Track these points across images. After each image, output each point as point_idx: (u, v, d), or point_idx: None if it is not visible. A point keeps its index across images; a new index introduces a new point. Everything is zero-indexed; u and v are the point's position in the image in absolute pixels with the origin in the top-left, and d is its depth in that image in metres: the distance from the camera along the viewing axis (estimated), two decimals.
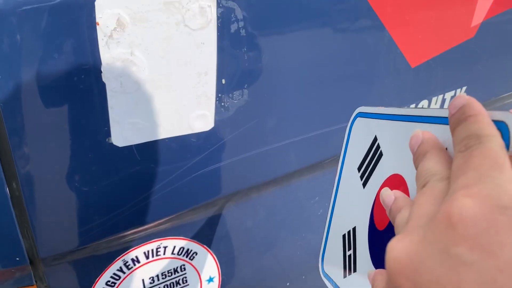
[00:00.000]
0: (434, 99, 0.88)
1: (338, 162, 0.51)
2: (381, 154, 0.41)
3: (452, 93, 0.91)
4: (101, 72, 0.53)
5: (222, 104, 0.63)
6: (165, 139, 0.61)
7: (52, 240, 0.61)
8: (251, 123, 0.67)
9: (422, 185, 0.28)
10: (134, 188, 0.62)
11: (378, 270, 0.33)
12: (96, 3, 0.49)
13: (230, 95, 0.63)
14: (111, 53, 0.52)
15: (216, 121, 0.64)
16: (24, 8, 0.47)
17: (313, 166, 0.80)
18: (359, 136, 0.47)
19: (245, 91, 0.64)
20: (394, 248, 0.26)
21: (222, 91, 0.62)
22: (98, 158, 0.57)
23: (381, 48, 0.74)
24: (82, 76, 0.52)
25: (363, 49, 0.72)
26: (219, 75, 0.60)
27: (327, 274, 0.52)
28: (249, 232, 0.80)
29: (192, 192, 0.68)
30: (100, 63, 0.52)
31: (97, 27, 0.50)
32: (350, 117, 0.77)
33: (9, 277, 0.62)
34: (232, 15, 0.58)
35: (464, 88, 0.93)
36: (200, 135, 0.64)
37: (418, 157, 0.31)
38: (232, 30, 0.59)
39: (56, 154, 0.55)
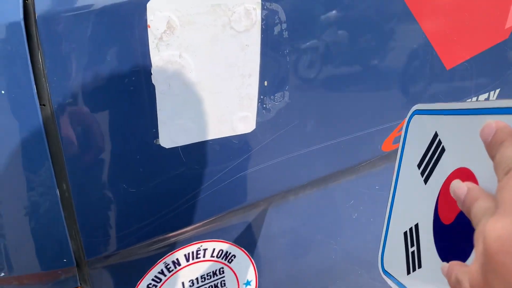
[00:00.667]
0: (468, 101, 0.88)
1: (396, 161, 0.51)
2: (443, 150, 0.41)
3: (485, 95, 0.91)
4: (151, 74, 0.54)
5: (264, 106, 0.64)
6: (209, 140, 0.62)
7: (98, 242, 0.61)
8: (291, 125, 0.67)
9: (505, 171, 0.29)
10: (178, 190, 0.63)
11: (454, 262, 0.33)
12: (148, 5, 0.50)
13: (272, 97, 0.64)
14: (161, 55, 0.53)
15: (257, 123, 0.64)
16: (77, 12, 0.49)
17: (349, 170, 0.80)
18: (417, 134, 0.47)
19: (286, 93, 0.64)
20: (494, 229, 0.26)
21: (264, 92, 0.62)
22: (146, 159, 0.58)
23: (417, 50, 0.74)
24: (133, 78, 0.53)
25: (400, 51, 0.72)
26: (262, 76, 0.61)
27: (388, 272, 0.52)
28: (286, 235, 0.80)
29: (232, 194, 0.68)
30: (150, 66, 0.53)
31: (148, 29, 0.51)
32: (384, 120, 0.77)
33: (55, 278, 0.63)
34: (275, 17, 0.58)
35: (497, 91, 0.92)
36: (242, 137, 0.64)
37: (494, 146, 0.31)
38: (276, 32, 0.59)
39: (105, 156, 0.56)
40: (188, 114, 0.58)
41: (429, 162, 0.44)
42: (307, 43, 0.62)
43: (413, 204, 0.47)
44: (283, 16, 0.59)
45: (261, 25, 0.58)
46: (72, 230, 0.59)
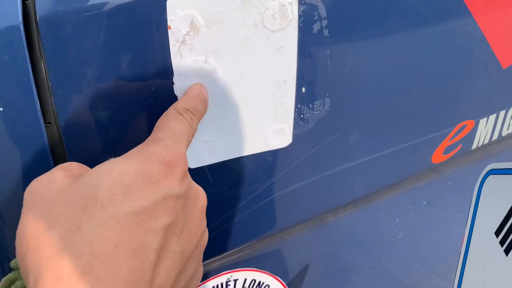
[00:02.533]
0: None
1: (466, 226, 0.44)
2: None
3: None
4: (173, 83, 0.46)
5: (301, 116, 0.55)
6: (240, 158, 0.54)
7: None
8: (332, 137, 0.59)
9: None
10: (205, 215, 0.55)
11: None
12: (168, 3, 0.42)
13: (311, 105, 0.55)
14: (184, 61, 0.45)
15: (294, 136, 0.56)
16: (86, 13, 0.41)
17: (395, 185, 0.71)
18: (493, 196, 0.40)
19: (327, 100, 0.56)
20: None
21: (301, 101, 0.54)
22: None
23: (472, 48, 0.65)
24: (152, 89, 0.45)
25: (454, 50, 0.63)
26: (299, 83, 0.53)
27: None
28: (325, 260, 0.71)
29: (265, 218, 0.60)
30: (172, 73, 0.45)
31: (169, 31, 0.44)
32: (435, 128, 0.68)
33: None
34: (315, 13, 0.50)
35: None
36: (276, 152, 0.56)
37: None
38: (315, 31, 0.51)
39: None
40: (215, 129, 0.50)
41: (511, 230, 0.36)
42: (351, 44, 0.54)
43: (490, 277, 0.40)
44: (323, 12, 0.51)
45: (298, 22, 0.49)
46: None
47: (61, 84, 0.42)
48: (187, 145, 0.40)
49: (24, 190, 0.40)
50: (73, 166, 0.37)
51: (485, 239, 0.42)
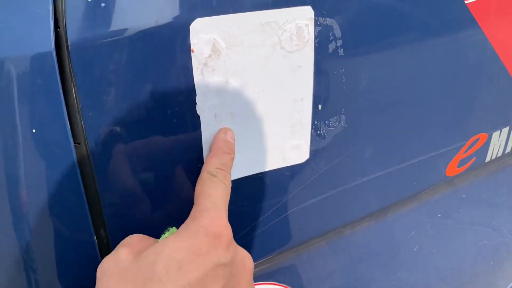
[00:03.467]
0: None
1: None
2: None
3: None
4: (195, 103, 0.48)
5: (318, 132, 0.57)
6: (259, 174, 0.55)
7: None
8: (348, 152, 0.60)
9: None
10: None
11: None
12: (191, 27, 0.45)
13: (327, 122, 0.57)
14: (206, 82, 0.47)
15: (311, 151, 0.57)
16: (113, 38, 0.43)
17: (410, 198, 0.72)
18: None
19: (343, 116, 0.57)
20: None
21: (318, 118, 0.56)
22: (191, 198, 0.52)
23: (483, 63, 0.66)
24: (176, 109, 0.47)
25: (464, 64, 0.65)
26: (315, 100, 0.54)
27: None
28: (342, 273, 0.72)
29: (284, 233, 0.61)
30: (195, 94, 0.47)
31: (192, 54, 0.46)
32: (448, 141, 0.69)
33: None
34: (330, 34, 0.52)
35: None
36: (294, 168, 0.57)
37: None
38: (330, 50, 0.53)
39: (146, 198, 0.50)
40: (236, 145, 0.52)
41: None
42: (365, 61, 0.56)
43: None
44: (338, 32, 0.52)
45: (314, 43, 0.51)
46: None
47: (90, 106, 0.44)
48: (227, 206, 0.45)
49: (51, 206, 0.42)
50: (134, 241, 0.42)
51: None
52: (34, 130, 0.43)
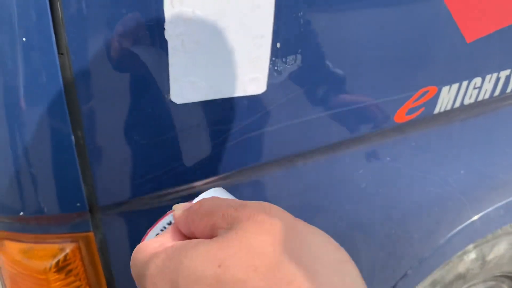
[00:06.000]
0: (488, 76, 0.86)
1: None
2: None
3: (507, 72, 0.89)
4: (164, 29, 0.55)
5: (276, 68, 0.64)
6: (220, 99, 0.63)
7: (110, 190, 0.65)
8: (303, 89, 0.68)
9: None
10: (188, 145, 0.65)
11: None
12: None
13: (284, 59, 0.64)
14: (175, 10, 0.54)
15: (268, 85, 0.65)
16: None
17: (360, 138, 0.81)
18: None
19: (299, 56, 0.65)
20: None
21: (276, 55, 0.63)
22: (157, 113, 0.60)
23: (436, 20, 0.73)
24: (147, 32, 0.55)
25: (418, 21, 0.71)
26: (274, 38, 0.62)
27: None
28: (292, 199, 0.82)
29: (241, 154, 0.70)
30: (164, 21, 0.55)
31: None
32: (399, 90, 0.77)
33: (69, 221, 0.67)
34: None
35: None
36: (252, 98, 0.65)
37: None
38: None
39: (119, 107, 0.58)
40: (200, 72, 0.60)
41: None
42: (324, 6, 0.63)
43: None
44: None
45: None
46: (86, 176, 0.62)
47: (73, 22, 0.51)
48: None
49: (37, 107, 0.51)
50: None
51: None
52: (24, 39, 0.51)
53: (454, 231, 1.10)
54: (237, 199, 0.37)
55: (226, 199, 0.36)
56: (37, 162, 0.59)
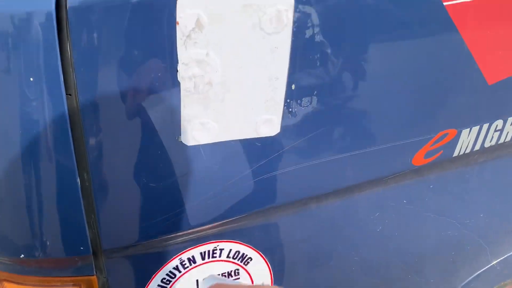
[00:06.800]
0: (510, 119, 0.83)
1: None
2: None
3: None
4: (177, 71, 0.53)
5: (290, 110, 0.62)
6: (231, 141, 0.61)
7: (115, 233, 0.62)
8: (317, 131, 0.66)
9: None
10: (198, 188, 0.62)
11: None
12: (178, 2, 0.50)
13: (299, 101, 0.62)
14: (188, 53, 0.53)
15: (282, 127, 0.63)
16: (108, 4, 0.49)
17: (376, 181, 0.77)
18: None
19: (314, 98, 0.63)
20: None
21: (291, 96, 0.61)
22: (167, 155, 0.58)
23: (458, 63, 0.70)
24: (159, 74, 0.53)
25: (438, 63, 0.69)
26: (290, 80, 0.60)
27: None
28: (305, 242, 0.78)
29: (252, 196, 0.67)
30: (177, 63, 0.53)
31: (177, 26, 0.51)
32: (417, 132, 0.74)
33: (72, 265, 0.64)
34: (308, 20, 0.57)
35: None
36: (265, 140, 0.63)
37: None
38: (307, 36, 0.58)
39: (127, 149, 0.56)
40: (211, 113, 0.58)
41: None
42: (340, 49, 0.61)
43: None
44: (316, 20, 0.57)
45: (293, 27, 0.56)
46: (90, 219, 0.59)
47: (82, 62, 0.50)
48: None
49: (44, 148, 0.49)
50: None
51: None
52: (31, 79, 0.50)
53: (473, 275, 1.06)
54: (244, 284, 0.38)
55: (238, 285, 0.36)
56: (40, 203, 0.57)
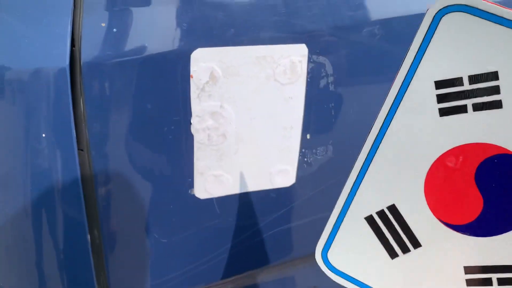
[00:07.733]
0: None
1: (402, 65, 0.36)
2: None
3: None
4: (190, 124, 0.52)
5: (305, 159, 0.61)
6: (246, 193, 0.59)
7: None
8: (334, 180, 0.64)
9: None
10: (211, 243, 0.60)
11: None
12: (192, 56, 0.50)
13: (314, 150, 0.61)
14: (202, 105, 0.52)
15: (297, 177, 0.61)
16: (121, 59, 0.49)
17: None
18: (451, 40, 0.32)
19: (330, 147, 0.61)
20: None
21: (306, 146, 0.60)
22: (179, 209, 0.56)
23: None
24: (172, 127, 0.52)
25: None
26: (305, 129, 0.59)
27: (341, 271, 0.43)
28: None
29: (267, 250, 0.65)
30: (191, 115, 0.52)
31: (191, 79, 0.51)
32: None
33: None
34: (322, 70, 0.56)
35: None
36: (280, 190, 0.61)
37: None
38: (321, 85, 0.57)
39: (138, 204, 0.55)
40: (225, 165, 0.56)
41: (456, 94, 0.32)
42: (354, 97, 0.60)
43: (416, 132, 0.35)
44: (330, 69, 0.57)
45: (307, 78, 0.56)
46: (100, 277, 0.57)
47: (95, 118, 0.49)
48: None
49: (54, 204, 0.47)
50: None
51: (423, 88, 0.34)
52: (44, 135, 0.49)
53: None
54: None
55: None
56: (50, 260, 0.55)
